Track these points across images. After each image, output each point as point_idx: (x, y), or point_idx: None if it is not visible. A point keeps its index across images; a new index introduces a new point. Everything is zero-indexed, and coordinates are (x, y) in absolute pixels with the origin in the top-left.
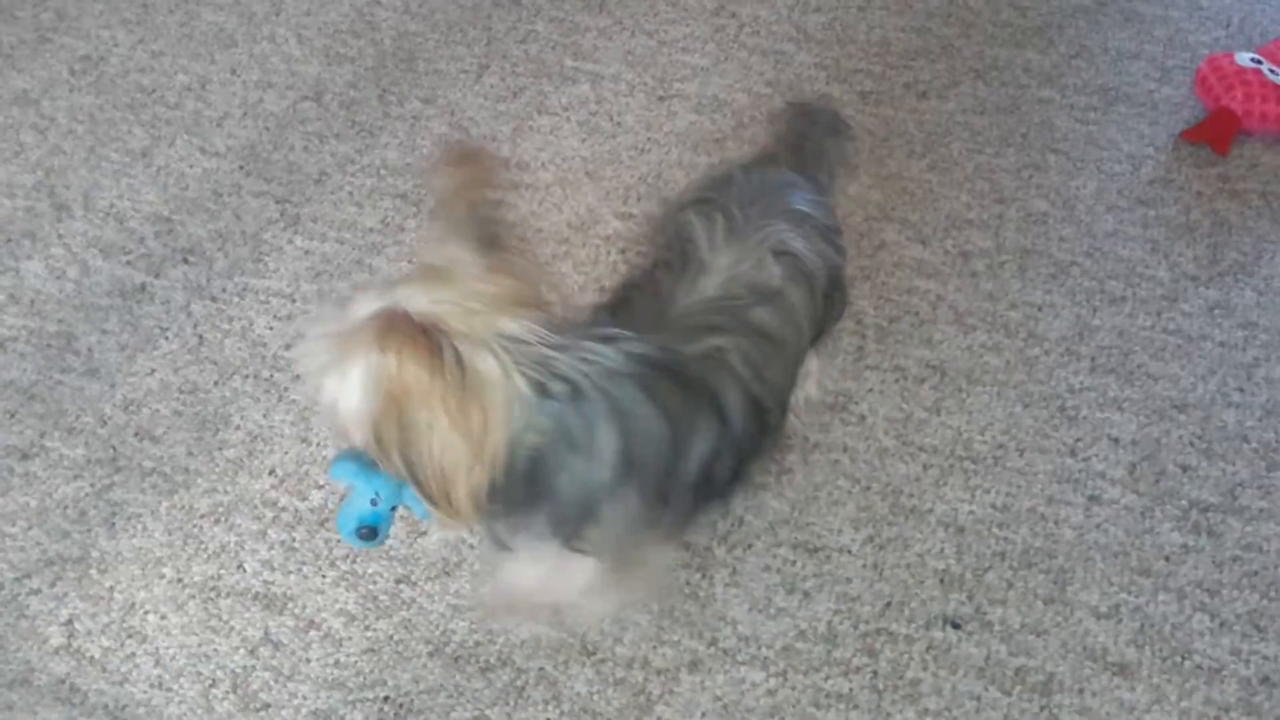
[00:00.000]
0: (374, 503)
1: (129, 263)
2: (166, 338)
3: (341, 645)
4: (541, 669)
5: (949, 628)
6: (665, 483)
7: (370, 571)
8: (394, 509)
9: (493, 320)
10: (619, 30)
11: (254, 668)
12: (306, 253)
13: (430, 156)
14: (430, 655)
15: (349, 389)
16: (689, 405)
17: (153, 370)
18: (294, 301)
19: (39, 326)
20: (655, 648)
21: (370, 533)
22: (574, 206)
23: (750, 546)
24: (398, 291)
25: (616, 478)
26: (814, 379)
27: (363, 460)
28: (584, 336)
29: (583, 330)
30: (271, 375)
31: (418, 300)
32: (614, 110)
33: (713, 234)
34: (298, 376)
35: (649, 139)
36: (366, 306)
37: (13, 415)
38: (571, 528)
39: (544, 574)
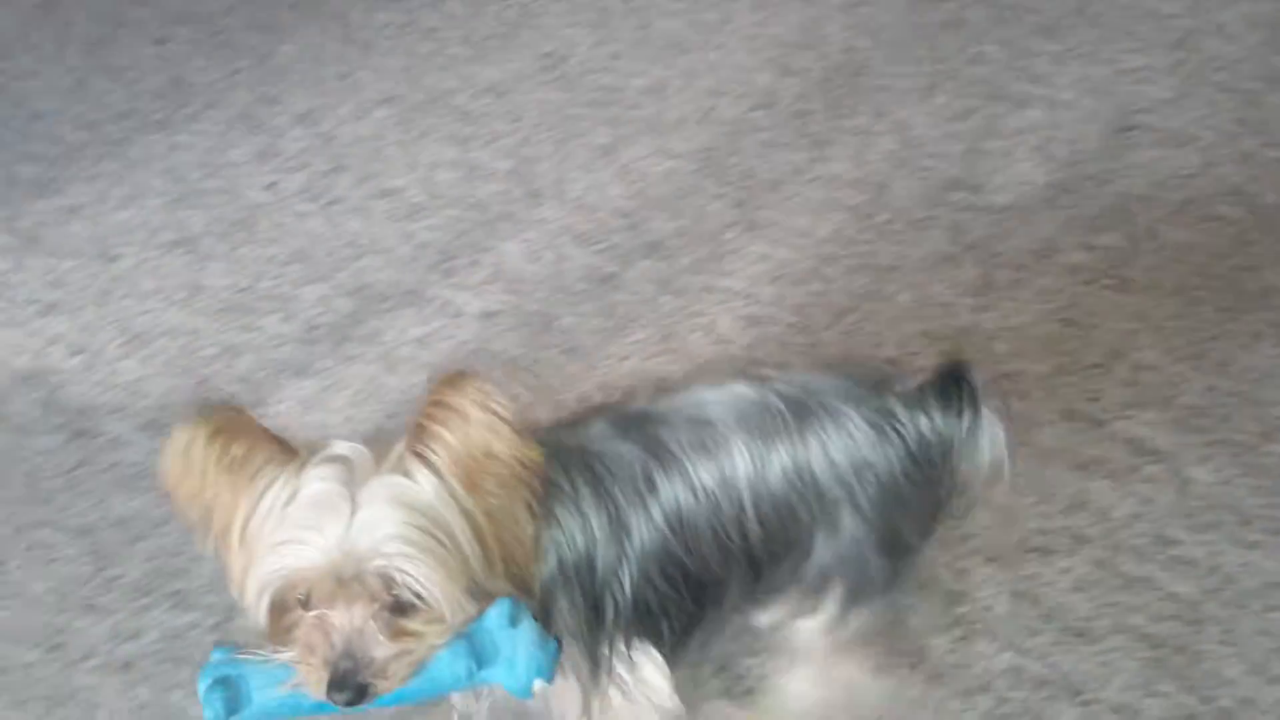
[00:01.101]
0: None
1: (599, 252)
2: (637, 327)
3: None
4: (1025, 701)
5: None
6: (590, 587)
7: None
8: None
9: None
10: (1073, 56)
11: (734, 654)
12: (764, 257)
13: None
14: (909, 669)
15: (410, 528)
16: (595, 505)
17: (626, 356)
18: (756, 304)
19: (520, 304)
20: (1144, 697)
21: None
22: (1032, 233)
23: (1243, 606)
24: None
25: (555, 578)
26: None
27: (482, 628)
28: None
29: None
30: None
31: (368, 463)
32: (1070, 137)
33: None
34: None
35: (1109, 170)
36: (325, 539)
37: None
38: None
39: None
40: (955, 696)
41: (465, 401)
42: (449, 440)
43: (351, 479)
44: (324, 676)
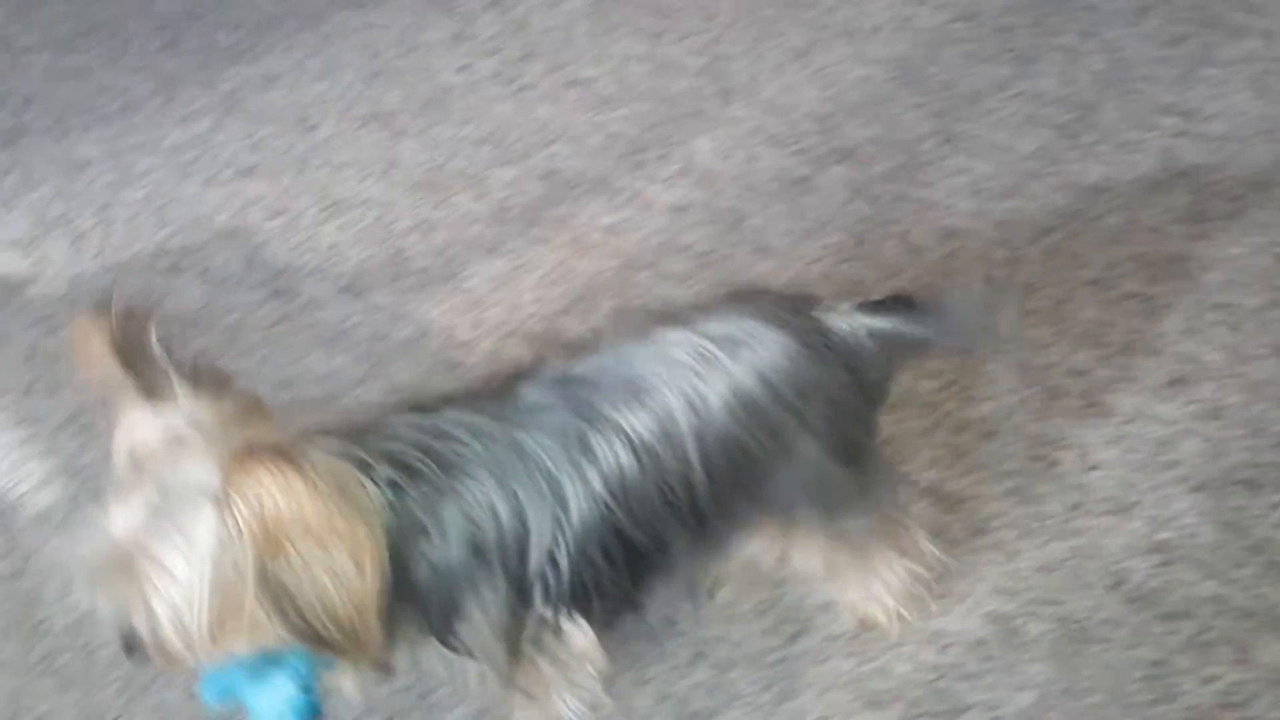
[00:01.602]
0: (304, 688)
1: (791, 154)
2: (828, 231)
3: (1014, 557)
4: (1229, 630)
5: None
6: (519, 570)
7: (1041, 492)
8: (318, 679)
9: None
10: None
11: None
12: (962, 170)
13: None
14: (1108, 589)
15: (191, 560)
16: (525, 479)
17: (817, 259)
18: (953, 215)
19: (710, 200)
20: None
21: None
22: (1247, 165)
23: None
24: (174, 471)
25: (469, 562)
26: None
27: (241, 664)
28: (398, 411)
29: (395, 406)
30: (932, 282)
31: (197, 462)
32: None
33: (620, 328)
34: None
35: None
36: (131, 512)
37: (688, 277)
38: (442, 624)
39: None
40: (1157, 620)
41: (260, 484)
42: (252, 511)
43: (177, 460)
44: None
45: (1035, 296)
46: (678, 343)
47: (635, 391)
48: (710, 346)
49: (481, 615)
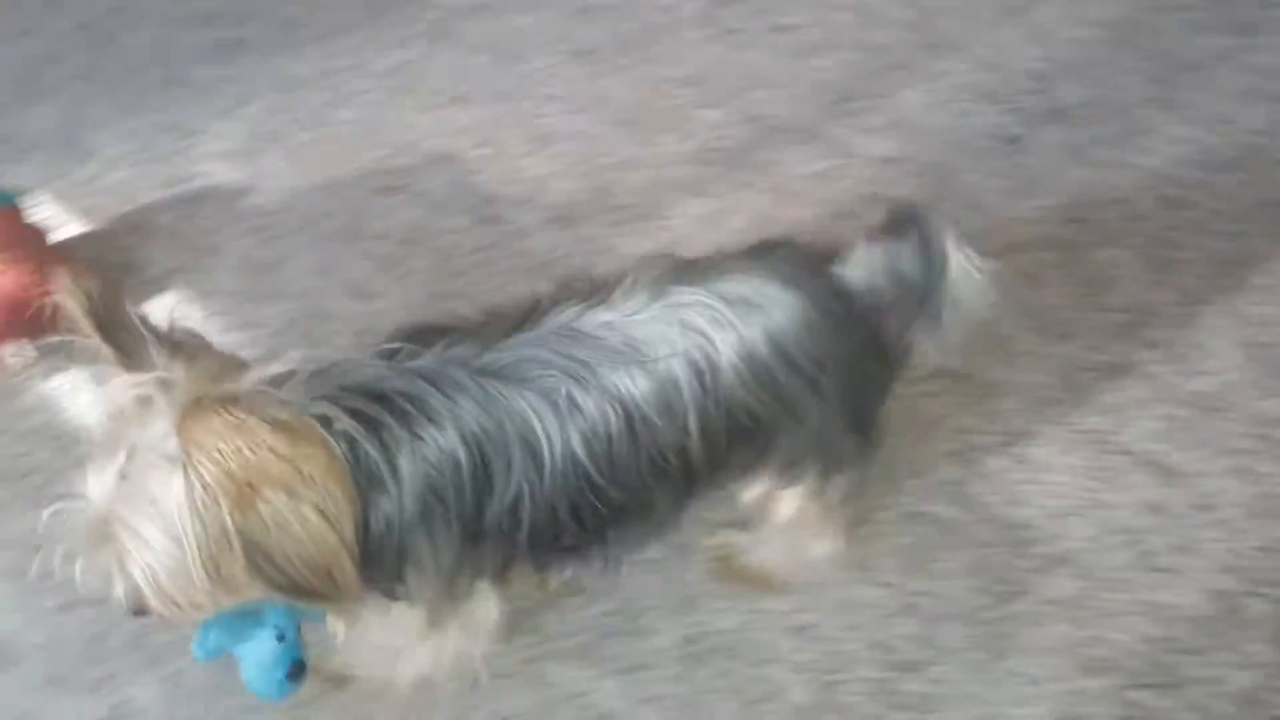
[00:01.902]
0: (281, 638)
1: (1004, 112)
2: (1043, 192)
3: (1239, 535)
4: None
5: None
6: (475, 517)
7: (1265, 471)
8: (299, 629)
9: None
10: None
11: (1148, 530)
12: (1184, 139)
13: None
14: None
15: (161, 523)
16: (495, 432)
17: (1032, 219)
18: (1177, 186)
19: (917, 153)
20: None
21: (301, 667)
22: None
23: None
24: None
25: (425, 506)
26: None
27: (222, 619)
28: (362, 360)
29: (361, 356)
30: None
31: (161, 424)
32: None
33: (638, 279)
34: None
35: None
36: (105, 479)
37: None
38: (391, 571)
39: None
40: None
41: (214, 436)
42: (212, 464)
43: (145, 423)
44: None
45: (1260, 272)
46: (691, 304)
47: (639, 355)
48: (724, 310)
49: (432, 557)
